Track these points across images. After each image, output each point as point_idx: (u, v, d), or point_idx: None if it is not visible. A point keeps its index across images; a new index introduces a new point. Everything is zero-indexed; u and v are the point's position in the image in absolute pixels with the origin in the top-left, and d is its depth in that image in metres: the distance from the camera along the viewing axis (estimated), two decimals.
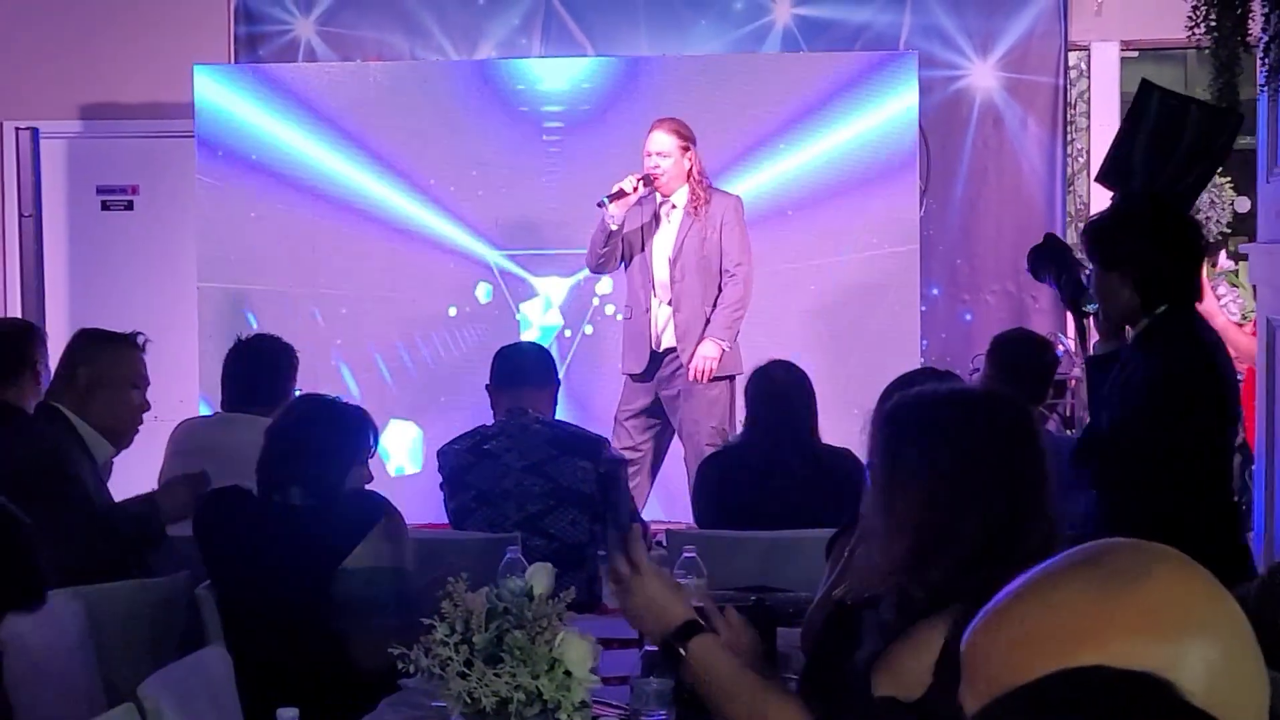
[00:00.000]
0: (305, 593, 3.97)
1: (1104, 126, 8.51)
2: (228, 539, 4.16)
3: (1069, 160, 8.40)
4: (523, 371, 5.10)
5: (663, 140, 6.88)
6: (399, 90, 8.08)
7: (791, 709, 2.63)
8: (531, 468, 4.92)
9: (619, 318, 7.40)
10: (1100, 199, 8.51)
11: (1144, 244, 4.29)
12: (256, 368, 5.25)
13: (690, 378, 6.79)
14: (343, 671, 3.88)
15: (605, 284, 7.82)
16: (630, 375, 6.99)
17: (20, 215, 7.21)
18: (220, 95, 8.02)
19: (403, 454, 7.94)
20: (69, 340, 4.61)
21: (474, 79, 8.11)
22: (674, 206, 6.91)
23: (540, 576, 2.78)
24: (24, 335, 5.34)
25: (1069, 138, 8.40)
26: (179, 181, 8.37)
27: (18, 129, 7.32)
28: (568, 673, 2.75)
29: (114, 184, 8.79)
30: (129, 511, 4.41)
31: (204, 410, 7.34)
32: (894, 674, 2.43)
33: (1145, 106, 4.88)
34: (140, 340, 4.52)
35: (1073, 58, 8.43)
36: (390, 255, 7.99)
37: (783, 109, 7.85)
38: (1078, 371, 7.80)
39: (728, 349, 6.83)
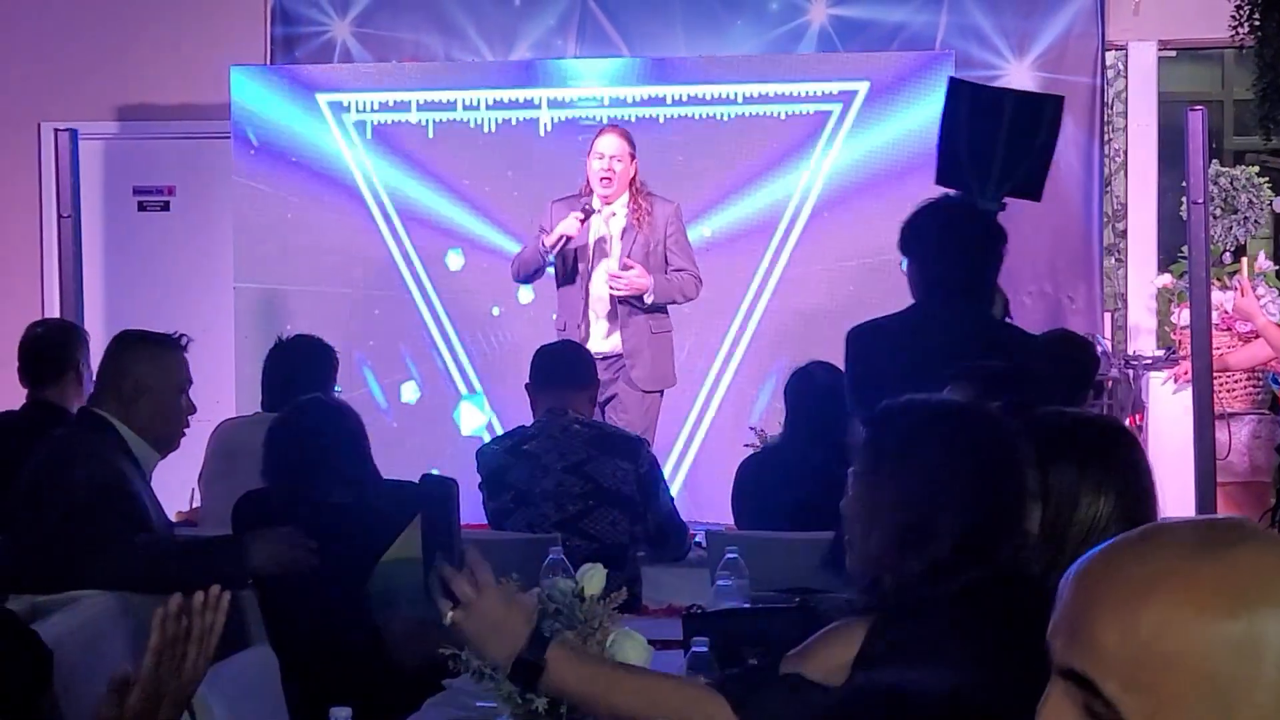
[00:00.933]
0: (351, 589, 3.98)
1: (1142, 126, 8.48)
2: None
3: (1106, 160, 8.36)
4: (562, 372, 5.09)
5: (616, 143, 6.86)
6: (435, 91, 8.08)
7: (680, 680, 2.63)
8: (571, 468, 4.91)
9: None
10: (1137, 197, 8.50)
11: (925, 238, 4.50)
12: (297, 368, 5.26)
13: (607, 281, 6.75)
14: (386, 671, 3.89)
15: None
16: None
17: (59, 216, 7.22)
18: (257, 96, 8.04)
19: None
20: (110, 344, 4.47)
21: (509, 80, 8.11)
22: (614, 214, 6.87)
23: (592, 577, 2.78)
24: (68, 336, 5.37)
25: (1106, 138, 8.35)
26: (215, 182, 8.39)
27: (56, 130, 7.33)
28: None
29: (151, 185, 8.82)
30: (213, 547, 4.27)
31: (240, 410, 7.35)
32: (806, 662, 2.49)
33: (958, 104, 4.97)
34: (184, 341, 4.44)
35: (1110, 57, 8.39)
36: (428, 255, 8.00)
37: (819, 109, 7.84)
38: (1115, 372, 7.78)
39: (650, 298, 6.77)
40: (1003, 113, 4.90)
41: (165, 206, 8.82)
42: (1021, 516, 2.52)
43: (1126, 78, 8.45)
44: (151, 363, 4.31)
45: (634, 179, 6.89)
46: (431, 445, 7.82)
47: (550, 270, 6.96)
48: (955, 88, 5.04)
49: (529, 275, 7.00)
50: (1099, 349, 7.26)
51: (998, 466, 2.51)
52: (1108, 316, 8.38)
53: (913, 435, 2.54)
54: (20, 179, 8.78)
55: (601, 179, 6.81)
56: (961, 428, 2.55)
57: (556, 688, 2.47)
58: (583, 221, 6.73)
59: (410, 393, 8.04)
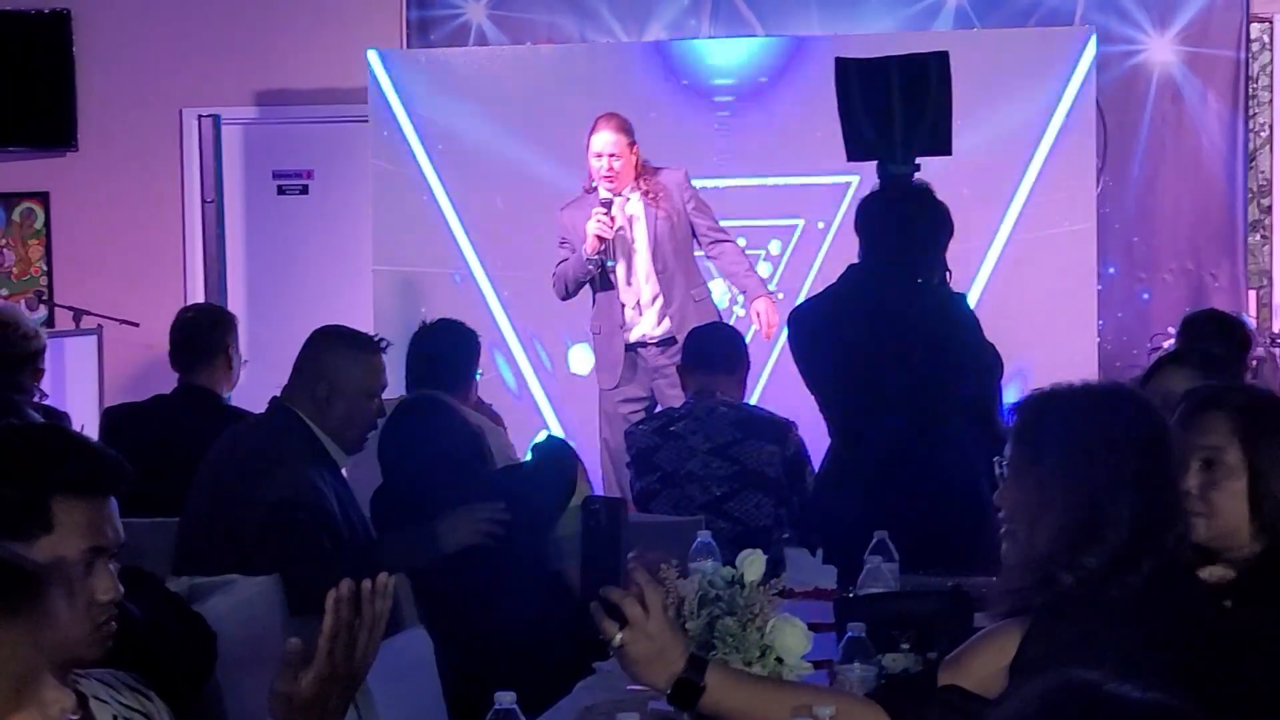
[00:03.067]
0: (503, 568, 4.02)
1: None
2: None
3: (1251, 135, 8.22)
4: (712, 355, 5.13)
5: (612, 139, 6.72)
6: (569, 73, 8.10)
7: (838, 694, 2.61)
8: (717, 450, 4.93)
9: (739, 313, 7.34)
10: None
11: (864, 218, 4.76)
12: (441, 352, 5.27)
13: (764, 335, 6.82)
14: (537, 652, 3.91)
15: (766, 267, 7.81)
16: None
17: (202, 201, 7.34)
18: (393, 80, 8.10)
19: None
20: (310, 340, 4.40)
21: (644, 61, 8.11)
22: (627, 199, 6.78)
23: (752, 563, 2.77)
24: (219, 322, 5.45)
25: (1251, 112, 8.21)
26: (353, 166, 8.47)
27: (200, 116, 7.45)
28: (779, 659, 2.74)
29: (290, 169, 8.92)
30: (405, 543, 4.23)
31: None
32: (962, 670, 2.43)
33: (848, 81, 5.03)
34: (383, 345, 4.38)
35: (1255, 30, 8.24)
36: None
37: (955, 87, 7.71)
38: (1260, 351, 7.65)
39: (779, 297, 6.88)
40: (890, 79, 5.01)
41: (304, 190, 8.92)
42: (1179, 502, 2.47)
43: (1272, 50, 8.29)
44: (349, 367, 4.26)
45: (638, 163, 6.79)
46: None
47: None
48: (841, 67, 5.12)
49: (575, 288, 6.85)
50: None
51: (1159, 447, 2.45)
52: (1252, 294, 8.25)
53: (1073, 422, 2.47)
54: (163, 165, 8.91)
55: (605, 179, 6.73)
56: (1120, 410, 2.48)
57: (715, 708, 2.45)
58: (608, 213, 6.65)
59: (577, 358, 8.06)
